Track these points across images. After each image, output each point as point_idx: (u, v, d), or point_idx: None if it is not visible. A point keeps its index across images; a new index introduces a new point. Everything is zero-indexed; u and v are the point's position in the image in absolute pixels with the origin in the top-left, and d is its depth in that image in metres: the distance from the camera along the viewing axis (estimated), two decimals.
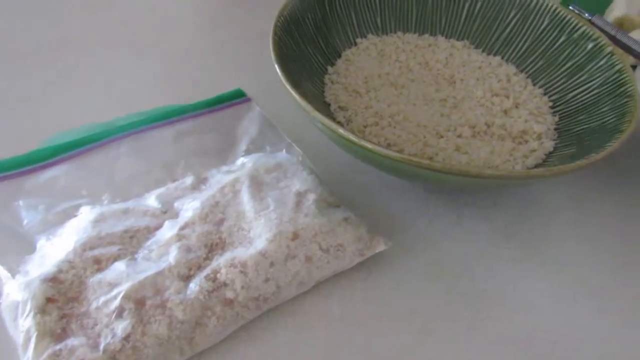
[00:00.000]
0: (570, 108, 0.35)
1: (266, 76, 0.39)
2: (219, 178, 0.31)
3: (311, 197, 0.29)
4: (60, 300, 0.24)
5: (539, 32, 0.39)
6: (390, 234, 0.30)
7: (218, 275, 0.25)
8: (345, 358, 0.26)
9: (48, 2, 0.46)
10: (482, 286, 0.29)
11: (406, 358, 0.26)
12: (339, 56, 0.38)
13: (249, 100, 0.38)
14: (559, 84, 0.37)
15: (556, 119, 0.35)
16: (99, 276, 0.25)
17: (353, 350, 0.26)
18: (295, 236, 0.27)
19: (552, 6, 0.38)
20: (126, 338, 0.23)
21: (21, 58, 0.40)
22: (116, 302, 0.24)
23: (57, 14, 0.45)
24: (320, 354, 0.26)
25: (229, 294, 0.25)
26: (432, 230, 0.32)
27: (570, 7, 0.39)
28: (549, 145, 0.33)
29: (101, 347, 0.23)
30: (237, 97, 0.38)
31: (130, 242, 0.27)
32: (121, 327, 0.23)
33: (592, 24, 0.38)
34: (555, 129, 0.35)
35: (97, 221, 0.27)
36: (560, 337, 0.28)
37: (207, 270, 0.25)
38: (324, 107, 0.34)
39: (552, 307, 0.29)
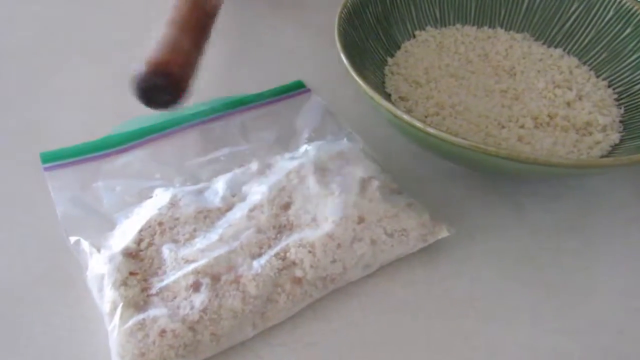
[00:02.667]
0: (637, 100, 0.35)
1: (324, 68, 0.40)
2: (283, 164, 0.32)
3: (375, 183, 0.30)
4: (141, 274, 0.26)
5: (603, 23, 0.38)
6: (450, 222, 0.30)
7: (287, 254, 0.26)
8: (407, 340, 0.26)
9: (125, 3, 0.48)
10: (544, 276, 0.29)
11: (468, 343, 0.26)
12: (398, 48, 0.39)
13: (308, 91, 0.39)
14: (624, 76, 0.36)
15: (621, 111, 0.35)
16: (176, 252, 0.27)
17: (415, 332, 0.27)
18: (361, 220, 0.28)
19: None
20: (204, 310, 0.24)
21: (95, 53, 0.42)
22: (193, 277, 0.25)
23: (129, 16, 0.47)
24: (383, 335, 0.26)
25: (298, 273, 0.26)
26: (492, 220, 0.32)
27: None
28: (614, 137, 0.33)
29: (180, 317, 0.24)
30: (297, 88, 0.39)
31: (204, 221, 0.28)
32: (199, 300, 0.24)
33: None
34: (621, 122, 0.34)
35: (172, 202, 0.29)
36: (625, 329, 0.27)
37: (277, 250, 0.27)
38: (386, 98, 0.35)
39: (615, 299, 0.29)
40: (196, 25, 0.32)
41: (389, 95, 0.35)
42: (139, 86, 0.28)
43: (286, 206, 0.29)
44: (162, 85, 0.28)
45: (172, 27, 0.31)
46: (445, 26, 0.41)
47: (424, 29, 0.40)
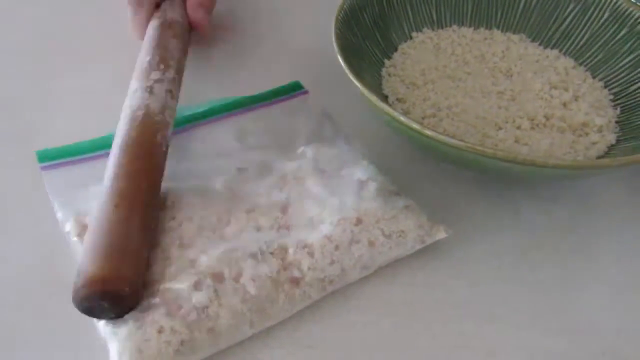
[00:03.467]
0: (633, 101, 0.35)
1: (321, 70, 0.40)
2: (280, 166, 0.32)
3: (372, 185, 0.30)
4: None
5: (599, 25, 0.38)
6: (447, 223, 0.30)
7: (286, 255, 0.26)
8: (406, 342, 0.26)
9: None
10: (541, 277, 0.29)
11: (467, 344, 0.26)
12: (395, 50, 0.39)
13: (306, 92, 0.39)
14: (620, 77, 0.36)
15: (617, 111, 0.35)
16: (176, 252, 0.26)
17: (414, 334, 0.27)
18: (359, 221, 0.28)
19: None
20: (202, 309, 0.24)
21: (93, 54, 0.42)
22: (194, 277, 0.25)
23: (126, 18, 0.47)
24: (382, 337, 0.26)
25: (297, 274, 0.26)
26: (489, 221, 0.32)
27: (632, 0, 0.39)
28: (610, 137, 0.33)
29: (179, 315, 0.24)
30: (294, 90, 0.39)
31: (204, 222, 0.28)
32: (197, 298, 0.24)
33: None
34: (617, 122, 0.34)
35: (171, 203, 0.29)
36: (623, 328, 0.27)
37: (276, 250, 0.27)
38: (383, 100, 0.35)
39: (612, 299, 0.29)
40: (144, 217, 0.26)
41: (386, 97, 0.35)
42: (79, 304, 0.24)
43: (284, 208, 0.29)
44: (110, 305, 0.23)
45: (117, 209, 0.25)
46: (442, 28, 0.41)
47: (420, 31, 0.40)
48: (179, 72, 0.35)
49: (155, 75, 0.32)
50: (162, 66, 0.33)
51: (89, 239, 0.25)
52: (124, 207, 0.25)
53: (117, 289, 0.23)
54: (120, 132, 0.30)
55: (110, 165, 0.28)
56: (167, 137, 0.31)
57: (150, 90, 0.31)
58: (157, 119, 0.30)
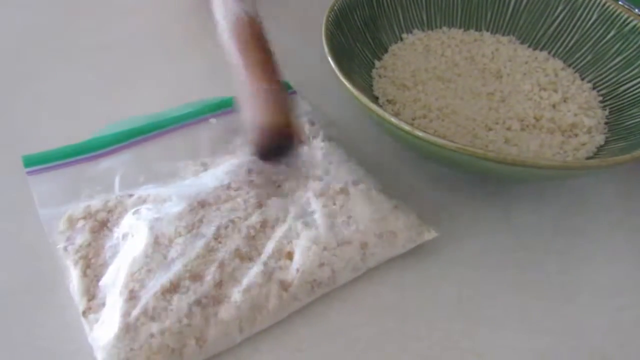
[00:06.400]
0: (622, 102, 0.35)
1: (311, 71, 0.40)
2: (268, 167, 0.32)
3: (361, 186, 0.30)
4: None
5: (587, 26, 0.39)
6: (437, 224, 0.30)
7: (275, 258, 0.26)
8: (396, 343, 0.26)
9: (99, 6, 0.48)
10: (530, 277, 0.29)
11: (456, 345, 0.26)
12: (386, 51, 0.39)
13: (294, 93, 0.38)
14: (608, 78, 0.37)
15: (606, 112, 0.35)
16: (160, 256, 0.26)
17: (404, 336, 0.26)
18: (348, 223, 0.28)
19: (601, 1, 0.38)
20: (190, 316, 0.24)
21: (78, 57, 0.42)
22: (177, 282, 0.25)
23: (111, 21, 0.46)
24: (371, 339, 0.26)
25: (285, 277, 0.26)
26: (479, 221, 0.32)
27: (620, 3, 0.39)
28: (599, 138, 0.33)
29: (167, 322, 0.24)
30: None
31: (191, 225, 0.28)
32: (185, 305, 0.24)
33: None
34: (606, 123, 0.35)
35: (157, 203, 0.29)
36: (611, 329, 0.27)
37: (264, 254, 0.26)
38: (373, 101, 0.35)
39: (601, 299, 0.29)
40: (267, 60, 0.31)
41: (377, 98, 0.35)
42: (262, 153, 0.30)
43: (271, 209, 0.29)
44: (285, 146, 0.30)
45: (256, 75, 0.30)
46: (432, 29, 0.41)
47: (411, 32, 0.40)
48: None
49: None
50: None
51: (252, 105, 0.29)
52: (262, 72, 0.30)
53: (288, 131, 0.29)
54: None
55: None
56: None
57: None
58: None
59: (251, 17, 0.33)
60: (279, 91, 0.30)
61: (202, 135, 0.35)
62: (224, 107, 0.37)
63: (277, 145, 0.29)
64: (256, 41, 0.32)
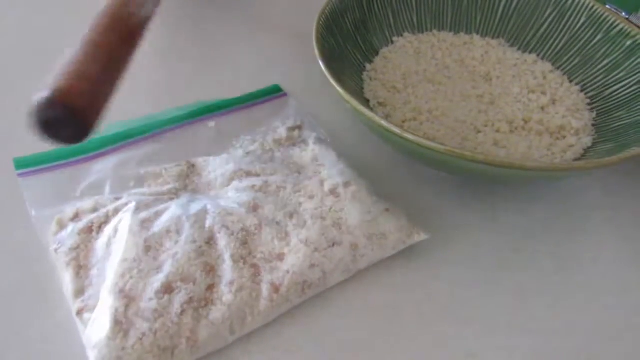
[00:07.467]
0: (609, 104, 0.35)
1: (301, 73, 0.40)
2: (259, 169, 0.32)
3: (352, 188, 0.30)
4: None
5: (576, 30, 0.39)
6: (427, 226, 0.30)
7: (264, 259, 0.26)
8: (387, 344, 0.26)
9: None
10: (519, 278, 0.30)
11: (447, 346, 0.27)
12: (377, 54, 0.39)
13: (285, 95, 0.39)
14: (596, 80, 0.37)
15: (594, 115, 0.36)
16: (150, 258, 0.26)
17: (395, 337, 0.27)
18: (339, 225, 0.28)
19: (589, 4, 0.39)
20: (181, 316, 0.24)
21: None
22: (169, 283, 0.25)
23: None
24: (362, 341, 0.26)
25: (276, 279, 0.26)
26: (469, 223, 0.32)
27: (607, 6, 0.39)
28: (587, 140, 0.34)
29: (158, 323, 0.24)
30: (273, 93, 0.39)
31: (179, 227, 0.28)
32: (176, 305, 0.24)
33: (630, 22, 0.38)
34: (593, 125, 0.35)
35: (146, 207, 0.29)
36: (599, 328, 0.28)
37: (254, 255, 0.27)
38: (364, 104, 0.35)
39: (589, 299, 0.29)
40: (111, 50, 0.27)
41: (368, 101, 0.36)
42: (35, 119, 0.23)
43: (262, 209, 0.29)
44: (63, 117, 0.23)
45: (81, 50, 0.26)
46: (422, 32, 0.41)
47: (401, 35, 0.41)
48: None
49: None
50: None
51: (55, 72, 0.25)
52: (88, 50, 0.26)
53: (71, 99, 0.23)
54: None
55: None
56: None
57: None
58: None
59: (125, 10, 0.29)
60: (91, 65, 0.25)
61: (197, 137, 0.35)
62: (214, 110, 0.37)
63: (52, 118, 0.23)
64: (112, 28, 0.28)
